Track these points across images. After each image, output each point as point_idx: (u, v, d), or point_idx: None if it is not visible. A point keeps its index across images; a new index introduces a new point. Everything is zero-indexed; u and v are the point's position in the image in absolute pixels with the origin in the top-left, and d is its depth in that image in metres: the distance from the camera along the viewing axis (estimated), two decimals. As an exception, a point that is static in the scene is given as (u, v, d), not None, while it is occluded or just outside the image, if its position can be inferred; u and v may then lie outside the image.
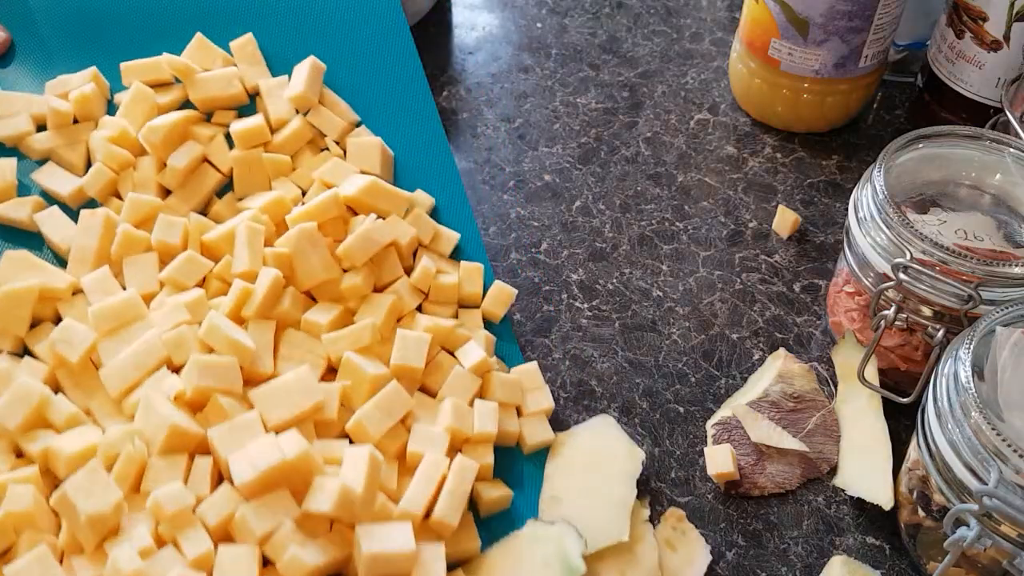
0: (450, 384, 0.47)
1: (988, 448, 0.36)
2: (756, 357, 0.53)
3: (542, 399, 0.49)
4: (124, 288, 0.48)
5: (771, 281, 0.57)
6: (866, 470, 0.46)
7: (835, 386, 0.51)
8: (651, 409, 0.51)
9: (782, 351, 0.52)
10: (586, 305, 0.56)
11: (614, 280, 0.57)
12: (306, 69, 0.55)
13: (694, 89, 0.70)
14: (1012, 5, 0.55)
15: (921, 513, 0.43)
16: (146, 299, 0.48)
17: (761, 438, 0.48)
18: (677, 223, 0.60)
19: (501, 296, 0.52)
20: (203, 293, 0.48)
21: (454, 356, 0.49)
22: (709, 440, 0.49)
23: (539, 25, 0.75)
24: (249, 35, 0.57)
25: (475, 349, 0.48)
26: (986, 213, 0.48)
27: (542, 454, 0.48)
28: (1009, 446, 0.36)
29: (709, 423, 0.50)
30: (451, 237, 0.53)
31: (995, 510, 0.36)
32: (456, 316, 0.51)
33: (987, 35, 0.57)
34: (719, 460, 0.47)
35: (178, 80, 0.55)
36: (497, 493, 0.45)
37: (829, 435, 0.48)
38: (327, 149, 0.55)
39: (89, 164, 0.53)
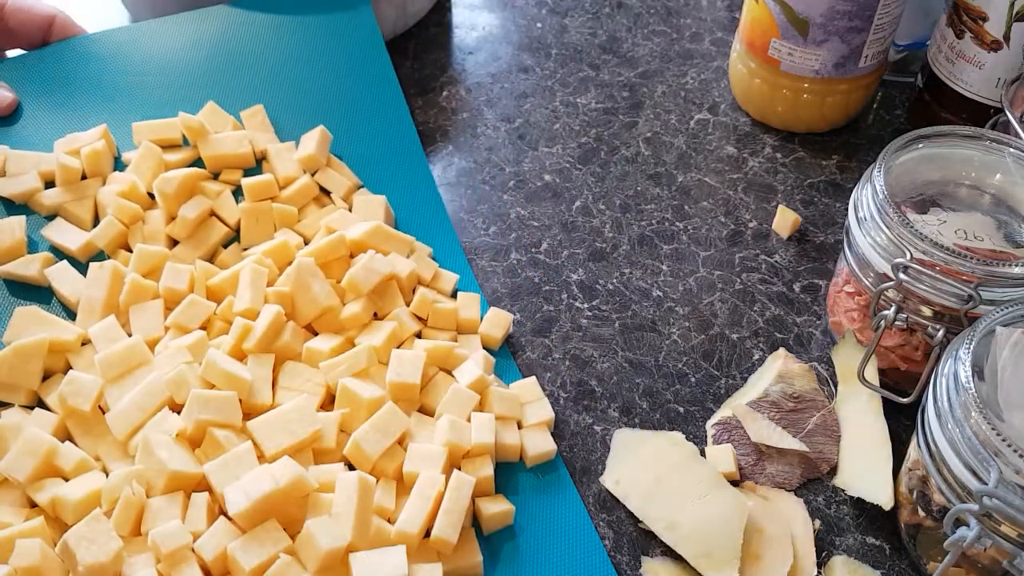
0: (447, 401, 0.47)
1: (988, 448, 0.36)
2: (756, 357, 0.53)
3: (542, 411, 0.49)
4: (131, 336, 0.49)
5: (771, 281, 0.57)
6: (866, 470, 0.46)
7: (835, 386, 0.51)
8: (651, 409, 0.51)
9: (782, 351, 0.52)
10: (586, 305, 0.56)
11: (614, 280, 0.57)
12: (315, 136, 0.58)
13: (694, 89, 0.70)
14: (1012, 5, 0.55)
15: (921, 513, 0.43)
16: (152, 344, 0.49)
17: (761, 438, 0.48)
18: (677, 223, 0.60)
19: (498, 320, 0.53)
20: (204, 334, 0.49)
21: (453, 376, 0.49)
22: (709, 440, 0.49)
23: (539, 25, 0.75)
24: (259, 105, 0.59)
25: (472, 367, 0.49)
26: (986, 213, 0.48)
27: (545, 467, 0.48)
28: (1009, 446, 0.36)
29: (709, 423, 0.50)
30: (450, 277, 0.54)
31: (995, 510, 0.36)
32: (455, 341, 0.52)
33: (987, 35, 0.57)
34: (719, 460, 0.47)
35: (187, 142, 0.58)
36: (498, 508, 0.45)
37: (829, 435, 0.48)
38: (332, 205, 0.57)
39: (97, 219, 0.54)
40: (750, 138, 0.66)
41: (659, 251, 0.59)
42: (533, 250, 0.58)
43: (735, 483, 0.47)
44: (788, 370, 0.50)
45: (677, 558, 0.44)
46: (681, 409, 0.51)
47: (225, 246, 0.55)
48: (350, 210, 0.56)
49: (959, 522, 0.38)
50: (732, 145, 0.65)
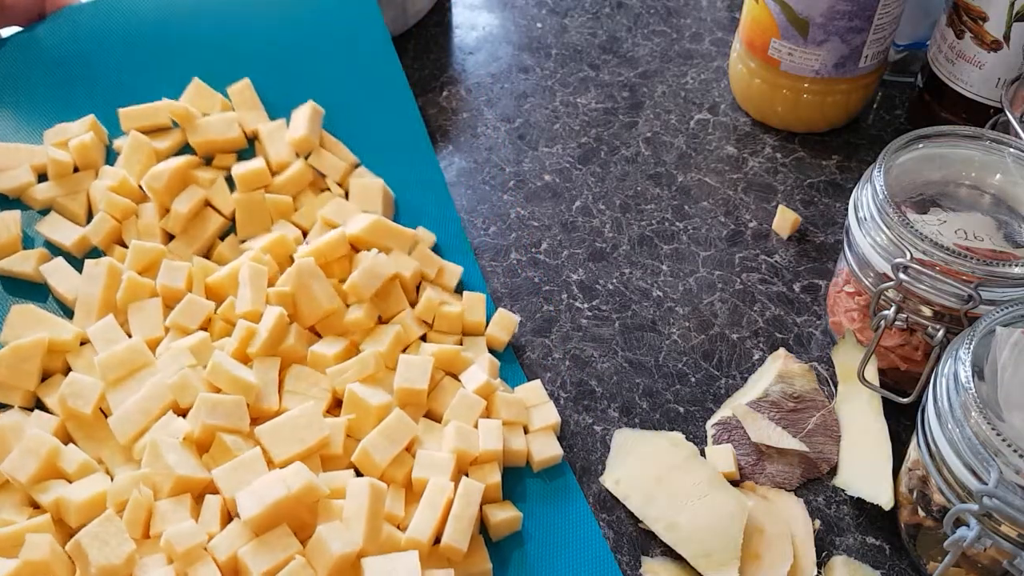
0: (454, 407, 0.47)
1: (988, 448, 0.36)
2: (756, 357, 0.53)
3: (548, 415, 0.49)
4: (130, 335, 0.49)
5: (771, 281, 0.57)
6: (866, 470, 0.46)
7: (835, 386, 0.51)
8: (651, 409, 0.51)
9: (782, 351, 0.52)
10: (586, 305, 0.56)
11: (614, 280, 0.57)
12: (306, 113, 0.56)
13: (694, 89, 0.70)
14: (1012, 5, 0.55)
15: (921, 513, 0.43)
16: (152, 345, 0.49)
17: (761, 438, 0.48)
18: (677, 223, 0.60)
19: (504, 323, 0.52)
20: (207, 336, 0.48)
21: (459, 380, 0.49)
22: (709, 440, 0.49)
23: (539, 25, 0.75)
24: (246, 80, 0.58)
25: (478, 372, 0.49)
26: (986, 213, 0.48)
27: (552, 472, 0.48)
28: (1009, 446, 0.36)
29: (709, 423, 0.50)
30: (455, 271, 0.54)
31: (995, 510, 0.36)
32: (461, 344, 0.52)
33: (987, 35, 0.57)
34: (719, 460, 0.47)
35: (176, 124, 0.56)
36: (506, 515, 0.45)
37: (829, 435, 0.48)
38: (328, 190, 0.56)
39: (91, 213, 0.54)
40: (750, 138, 0.66)
41: (659, 251, 0.59)
42: (533, 250, 0.58)
43: (735, 483, 0.47)
44: (788, 370, 0.50)
45: (677, 558, 0.44)
46: (681, 409, 0.51)
47: (223, 237, 0.54)
48: (346, 194, 0.55)
49: (959, 522, 0.38)
50: (732, 145, 0.65)
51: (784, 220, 0.59)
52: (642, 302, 0.56)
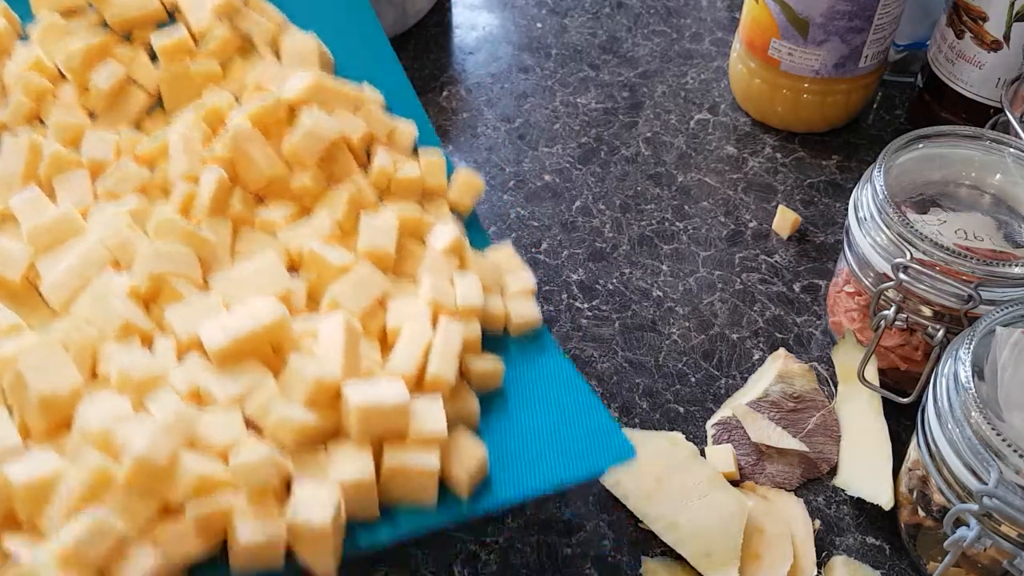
0: (426, 267, 0.43)
1: (988, 448, 0.36)
2: (756, 357, 0.53)
3: (524, 279, 0.46)
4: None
5: (771, 281, 0.57)
6: (866, 470, 0.46)
7: (835, 386, 0.51)
8: (651, 409, 0.51)
9: (782, 351, 0.52)
10: (586, 305, 0.56)
11: (614, 280, 0.57)
12: None
13: (694, 89, 0.70)
14: (1012, 5, 0.55)
15: (921, 513, 0.43)
16: (82, 215, 0.44)
17: (761, 438, 0.48)
18: (677, 223, 0.60)
19: (468, 184, 0.48)
20: (145, 199, 0.44)
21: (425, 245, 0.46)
22: (709, 440, 0.49)
23: (539, 25, 0.75)
24: None
25: (446, 229, 0.45)
26: (986, 213, 0.48)
27: (530, 336, 0.45)
28: (1009, 446, 0.36)
29: (709, 423, 0.50)
30: (409, 131, 0.49)
31: (995, 510, 0.36)
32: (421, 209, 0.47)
33: (987, 35, 0.57)
34: (719, 460, 0.47)
35: (92, 7, 0.51)
36: (488, 365, 0.42)
37: (829, 435, 0.48)
38: (257, 54, 0.51)
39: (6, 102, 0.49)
40: (750, 138, 0.66)
41: (659, 251, 0.59)
42: (533, 250, 0.58)
43: (735, 483, 0.47)
44: (788, 370, 0.50)
45: (677, 558, 0.44)
46: (681, 409, 0.51)
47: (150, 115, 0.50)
48: (278, 58, 0.50)
49: (959, 522, 0.38)
50: (732, 145, 0.65)
51: (784, 220, 0.59)
52: (642, 302, 0.56)
